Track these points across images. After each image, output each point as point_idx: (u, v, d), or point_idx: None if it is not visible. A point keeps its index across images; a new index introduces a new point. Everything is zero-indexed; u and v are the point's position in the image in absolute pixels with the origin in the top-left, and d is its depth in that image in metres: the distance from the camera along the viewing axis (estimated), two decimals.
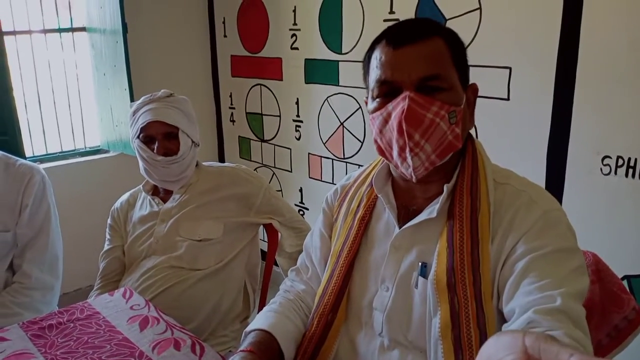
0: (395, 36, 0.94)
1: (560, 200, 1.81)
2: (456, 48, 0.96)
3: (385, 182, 1.07)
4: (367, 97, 1.02)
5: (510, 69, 1.89)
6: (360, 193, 1.11)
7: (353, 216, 1.09)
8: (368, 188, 1.09)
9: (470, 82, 1.00)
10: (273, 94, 2.90)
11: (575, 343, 0.75)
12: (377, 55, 0.96)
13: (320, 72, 2.59)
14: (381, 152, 1.00)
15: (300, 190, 2.90)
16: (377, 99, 0.96)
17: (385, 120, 0.94)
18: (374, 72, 0.96)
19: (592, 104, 1.70)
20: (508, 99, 1.91)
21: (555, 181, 1.83)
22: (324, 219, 1.20)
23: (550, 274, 0.84)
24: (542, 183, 1.85)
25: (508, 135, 1.92)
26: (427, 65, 0.92)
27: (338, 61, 2.48)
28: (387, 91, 0.94)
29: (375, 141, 0.99)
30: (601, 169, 1.71)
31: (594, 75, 1.68)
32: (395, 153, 0.95)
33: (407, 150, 0.91)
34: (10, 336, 1.19)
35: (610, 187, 1.70)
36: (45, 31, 2.84)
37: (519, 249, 0.89)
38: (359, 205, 1.09)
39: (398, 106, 0.91)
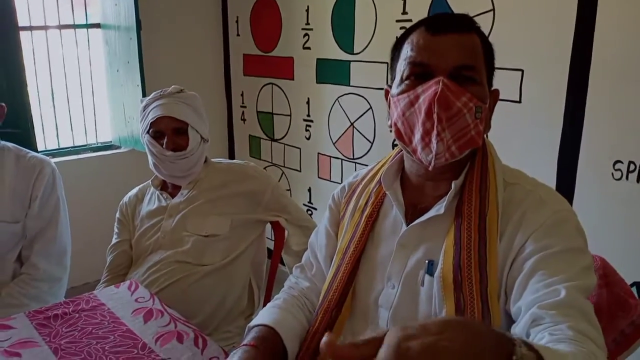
0: (435, 23, 0.94)
1: (570, 204, 1.79)
2: (488, 49, 0.97)
3: (394, 179, 1.06)
4: (389, 86, 1.02)
5: (522, 71, 1.87)
6: (368, 190, 1.11)
7: (360, 213, 1.09)
8: (376, 186, 1.09)
9: (493, 88, 1.00)
10: (284, 93, 2.90)
11: (582, 336, 0.74)
12: (412, 39, 0.95)
13: (331, 72, 2.59)
14: (399, 136, 0.97)
15: (309, 190, 2.89)
16: (406, 81, 0.94)
17: (412, 103, 0.92)
18: (407, 54, 0.95)
19: (605, 108, 1.68)
20: (520, 102, 1.89)
21: (566, 185, 1.81)
22: (330, 216, 1.19)
23: (559, 272, 0.82)
24: (552, 187, 1.83)
25: (519, 138, 1.91)
26: (464, 55, 0.91)
27: (350, 61, 2.48)
28: (418, 73, 0.93)
29: (395, 125, 0.97)
30: (612, 174, 1.69)
31: (607, 79, 1.67)
32: (417, 136, 0.93)
33: (434, 134, 0.90)
34: (16, 324, 1.20)
35: (621, 192, 1.67)
36: (60, 27, 2.87)
37: (527, 247, 0.88)
38: (366, 203, 1.09)
39: (430, 89, 0.90)
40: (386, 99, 1.04)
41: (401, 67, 0.96)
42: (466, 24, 0.95)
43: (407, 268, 0.99)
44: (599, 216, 1.73)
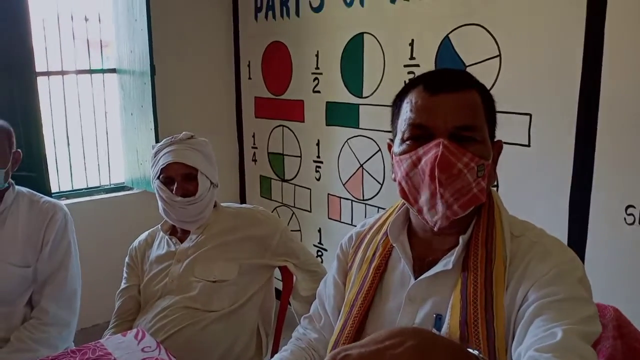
0: (433, 83, 0.94)
1: (583, 251, 1.77)
2: (489, 103, 0.97)
3: (400, 231, 1.05)
4: (391, 140, 1.02)
5: (530, 115, 1.88)
6: (375, 241, 1.10)
7: (368, 265, 1.08)
8: (384, 237, 1.08)
9: (496, 139, 1.00)
10: (295, 134, 2.94)
11: None
12: (411, 99, 0.95)
13: (340, 115, 2.63)
14: (404, 195, 0.98)
15: (319, 230, 2.89)
16: (407, 142, 0.95)
17: (414, 164, 0.93)
18: (406, 115, 0.95)
19: (615, 152, 1.68)
20: (529, 145, 1.90)
21: (577, 231, 1.79)
22: (338, 266, 1.19)
23: (559, 319, 0.80)
24: (564, 232, 1.81)
25: (529, 182, 1.90)
26: (464, 115, 0.92)
27: (359, 104, 2.52)
28: (418, 135, 0.93)
29: (400, 184, 0.98)
30: (625, 219, 1.67)
31: (616, 122, 1.67)
32: (423, 198, 0.93)
33: (438, 196, 0.90)
34: None
35: (634, 237, 1.65)
36: (77, 72, 2.96)
37: (530, 296, 0.86)
38: (374, 254, 1.08)
39: (430, 152, 0.90)
40: (389, 151, 1.04)
41: (401, 126, 0.97)
42: (464, 81, 0.96)
43: (416, 322, 0.97)
44: (612, 263, 1.71)
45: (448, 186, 0.90)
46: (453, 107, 0.92)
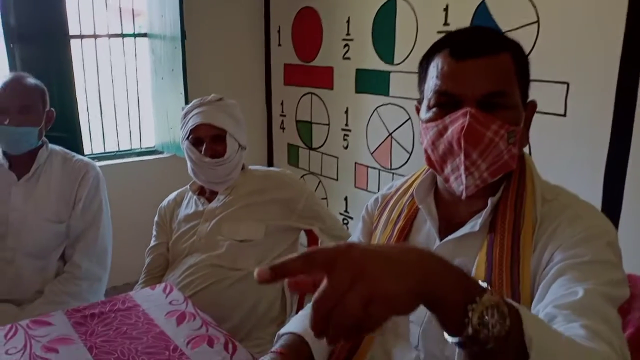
0: (460, 47, 0.89)
1: (617, 222, 1.72)
2: (521, 63, 0.92)
3: (427, 193, 1.04)
4: (418, 104, 1.00)
5: (567, 84, 1.82)
6: (401, 203, 1.09)
7: (393, 226, 1.07)
8: (410, 199, 1.07)
9: (530, 99, 0.96)
10: (323, 102, 2.92)
11: (595, 336, 0.66)
12: (437, 64, 0.91)
13: (370, 82, 2.59)
14: (430, 163, 0.96)
15: (346, 199, 2.89)
16: (433, 109, 0.92)
17: (440, 133, 0.90)
18: (432, 81, 0.91)
19: None
20: (565, 115, 1.84)
21: (612, 202, 1.74)
22: (363, 227, 1.18)
23: (583, 280, 0.77)
24: (598, 203, 1.76)
25: (564, 152, 1.85)
26: (492, 81, 0.87)
27: (389, 72, 2.47)
28: (445, 102, 0.90)
29: (426, 151, 0.96)
30: None
31: None
32: (448, 169, 0.92)
33: (462, 168, 0.88)
34: (55, 321, 1.24)
35: None
36: (109, 36, 2.98)
37: (555, 257, 0.84)
38: (399, 216, 1.07)
39: (457, 121, 0.87)
40: (417, 114, 1.02)
41: (428, 92, 0.93)
42: (493, 43, 0.90)
43: None
44: None
45: (476, 156, 0.88)
46: (481, 74, 0.87)
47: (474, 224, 0.94)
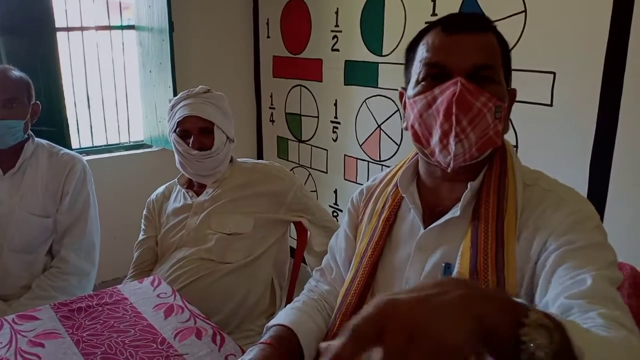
0: (451, 23, 0.93)
1: (602, 212, 1.74)
2: (505, 49, 0.95)
3: (410, 182, 1.05)
4: (403, 88, 1.01)
5: (554, 74, 1.82)
6: (385, 194, 1.10)
7: (378, 217, 1.08)
8: (393, 189, 1.08)
9: (510, 87, 0.98)
10: (312, 94, 2.91)
11: (614, 323, 0.69)
12: (427, 40, 0.94)
13: (359, 74, 2.59)
14: (417, 138, 0.96)
15: (335, 191, 2.89)
16: (422, 83, 0.93)
17: (429, 104, 0.91)
18: (422, 56, 0.93)
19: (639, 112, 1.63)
20: (551, 105, 1.85)
21: (598, 192, 1.75)
22: (349, 219, 1.19)
23: (583, 265, 0.79)
24: (584, 192, 1.78)
25: (550, 142, 1.86)
26: (482, 54, 0.90)
27: (378, 63, 2.47)
28: (435, 74, 0.91)
29: (412, 127, 0.96)
30: None
31: None
32: (435, 139, 0.91)
33: (452, 135, 0.88)
34: (42, 316, 1.24)
35: None
36: (96, 28, 2.95)
37: (549, 246, 0.85)
38: (383, 206, 1.08)
39: (447, 90, 0.88)
40: (401, 100, 1.03)
41: (417, 68, 0.95)
42: (482, 23, 0.94)
43: (425, 271, 0.97)
44: (630, 224, 1.68)
45: (466, 124, 0.88)
46: (471, 47, 0.90)
47: (456, 210, 0.95)
